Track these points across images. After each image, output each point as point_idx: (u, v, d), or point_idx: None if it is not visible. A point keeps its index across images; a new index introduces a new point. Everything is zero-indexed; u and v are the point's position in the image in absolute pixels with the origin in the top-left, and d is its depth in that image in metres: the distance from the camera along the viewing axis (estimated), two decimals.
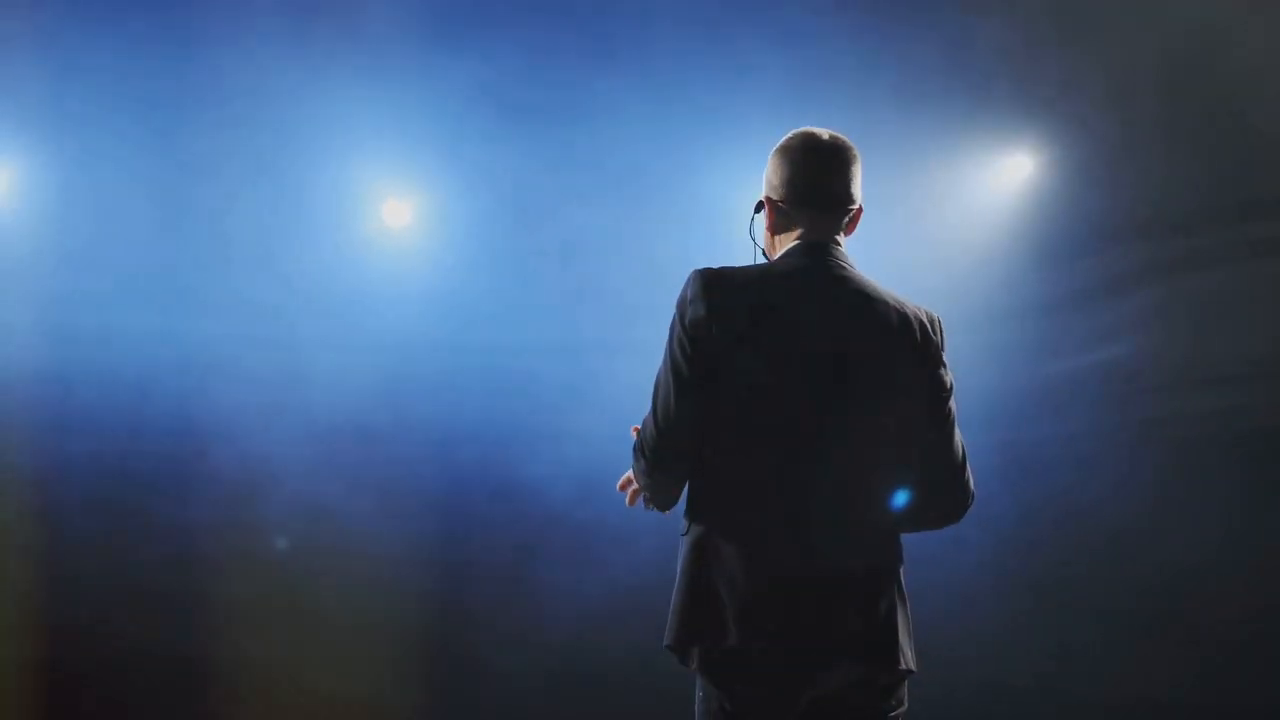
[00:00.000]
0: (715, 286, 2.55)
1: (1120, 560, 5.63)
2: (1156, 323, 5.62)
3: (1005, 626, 5.72)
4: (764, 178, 2.78)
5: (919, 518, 2.64)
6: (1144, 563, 5.56)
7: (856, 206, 2.74)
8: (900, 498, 2.60)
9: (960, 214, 5.78)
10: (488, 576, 5.96)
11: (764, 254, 2.78)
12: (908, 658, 2.55)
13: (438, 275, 5.93)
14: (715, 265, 2.60)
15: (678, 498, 2.63)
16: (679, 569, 2.55)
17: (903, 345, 2.61)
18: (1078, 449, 5.79)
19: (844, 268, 2.67)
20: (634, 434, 2.66)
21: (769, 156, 2.78)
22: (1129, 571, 5.60)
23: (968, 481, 2.68)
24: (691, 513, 2.58)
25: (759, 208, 2.79)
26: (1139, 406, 5.73)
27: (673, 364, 2.54)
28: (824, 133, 2.74)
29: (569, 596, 5.82)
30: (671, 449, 2.55)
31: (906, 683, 2.60)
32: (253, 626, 5.84)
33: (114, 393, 5.76)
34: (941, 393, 2.66)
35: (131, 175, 5.63)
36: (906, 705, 2.61)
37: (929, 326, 2.67)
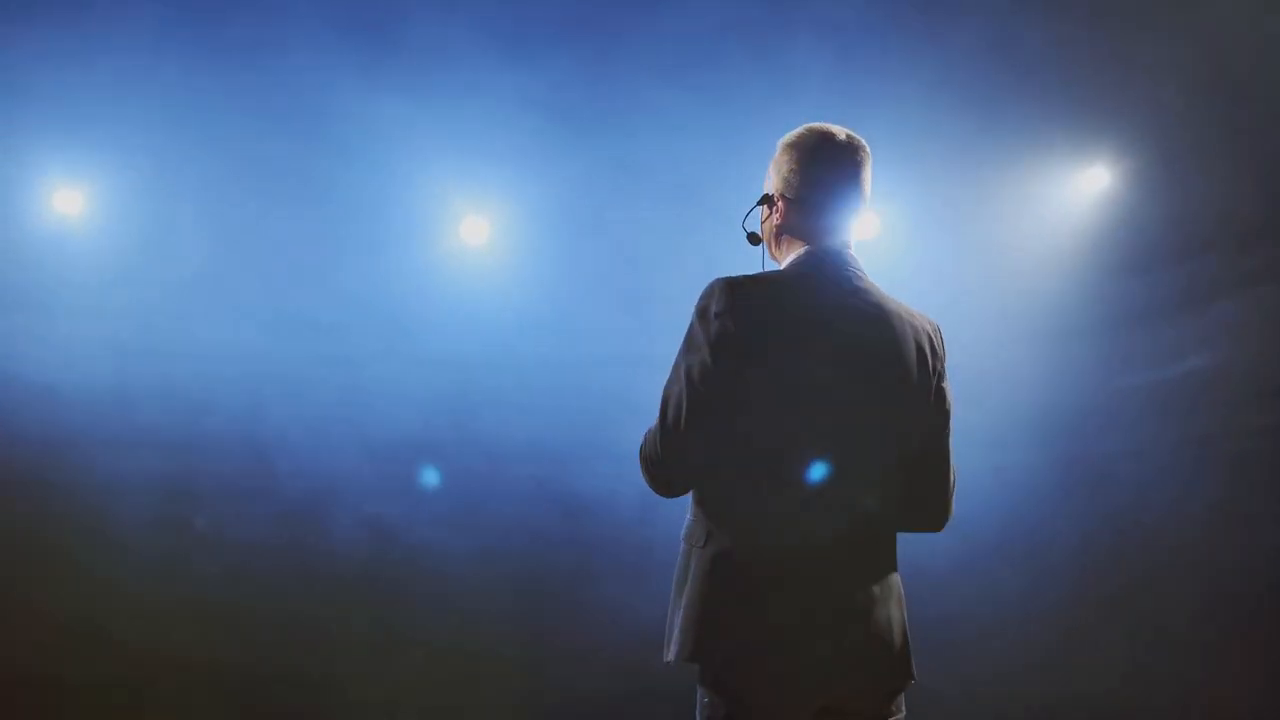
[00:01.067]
0: (742, 297, 2.51)
1: (1184, 575, 5.59)
2: (1230, 336, 5.55)
3: (1065, 642, 5.70)
4: (774, 171, 2.72)
5: (904, 525, 2.66)
6: (1207, 578, 5.51)
7: (865, 205, 2.72)
8: (898, 507, 2.62)
9: (1035, 227, 5.73)
10: (549, 592, 5.96)
11: (753, 244, 2.75)
12: (912, 667, 2.57)
13: (496, 290, 5.90)
14: (735, 275, 2.56)
15: (678, 494, 2.61)
16: (691, 581, 2.52)
17: (916, 357, 2.60)
18: (1146, 464, 5.75)
19: (861, 276, 2.65)
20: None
21: (780, 149, 2.71)
22: (1192, 587, 5.55)
23: (951, 496, 2.69)
24: (707, 524, 2.53)
25: (765, 200, 2.73)
26: (1209, 420, 5.67)
27: (687, 377, 2.50)
28: (840, 130, 2.70)
29: (630, 613, 5.82)
30: (680, 463, 2.52)
31: (904, 691, 2.60)
32: (315, 643, 5.88)
33: (176, 408, 5.81)
34: (944, 405, 2.66)
35: (197, 192, 5.67)
36: (905, 712, 2.60)
37: (933, 338, 2.67)
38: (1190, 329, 5.62)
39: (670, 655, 2.51)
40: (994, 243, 5.68)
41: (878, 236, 5.73)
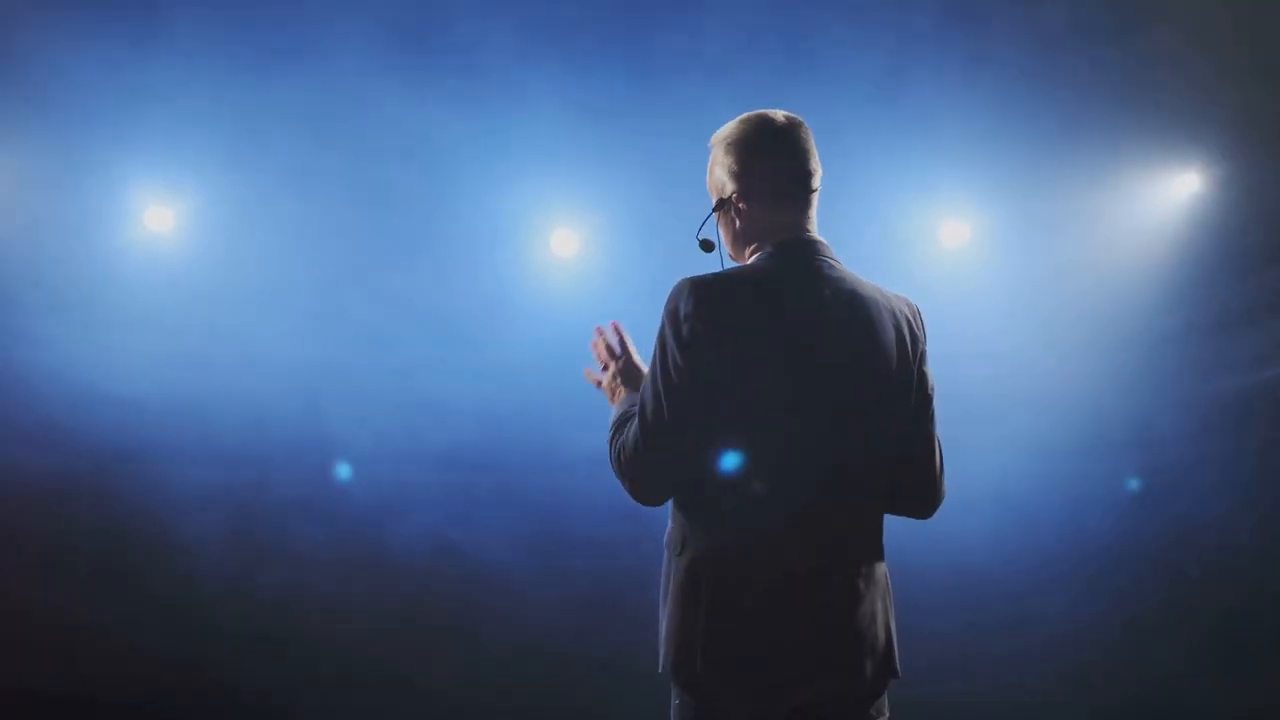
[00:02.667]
0: (710, 296, 2.42)
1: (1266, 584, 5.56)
2: None
3: (1136, 649, 5.68)
4: (719, 173, 2.60)
5: (898, 507, 2.61)
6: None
7: (819, 185, 2.61)
8: (884, 496, 2.55)
9: (1124, 232, 5.66)
10: (615, 607, 5.87)
11: (706, 250, 2.64)
12: (897, 664, 2.49)
13: (567, 301, 5.82)
14: (701, 274, 2.47)
15: (659, 502, 2.53)
16: (672, 591, 2.46)
17: (896, 341, 2.52)
18: (1229, 471, 5.68)
19: (832, 264, 2.55)
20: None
21: (719, 148, 2.60)
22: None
23: (940, 481, 2.61)
24: (687, 530, 2.46)
25: (720, 206, 2.61)
26: None
27: (664, 381, 2.41)
28: (776, 113, 2.59)
29: None
30: (661, 466, 2.44)
31: (886, 690, 2.53)
32: (382, 657, 5.81)
33: (245, 421, 5.77)
34: (926, 387, 2.58)
35: (273, 207, 5.66)
36: (889, 714, 2.53)
37: (912, 320, 2.58)
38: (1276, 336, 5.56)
39: (660, 666, 2.47)
40: (1083, 248, 5.62)
41: (968, 243, 5.71)
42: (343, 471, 5.87)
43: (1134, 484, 5.85)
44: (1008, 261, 5.65)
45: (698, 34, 5.47)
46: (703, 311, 2.40)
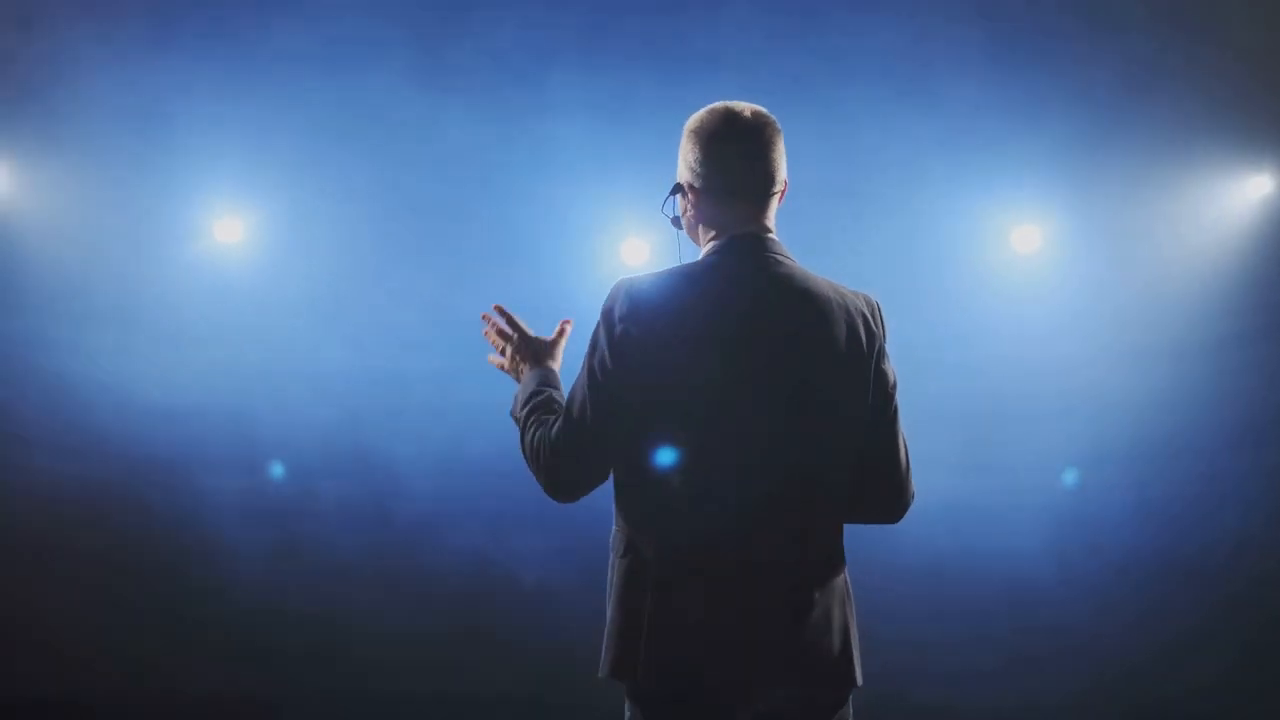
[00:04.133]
0: (642, 296, 2.38)
1: None
2: None
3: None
4: (680, 158, 2.55)
5: (854, 516, 2.52)
6: None
7: (784, 184, 2.54)
8: (842, 499, 2.46)
9: (1195, 234, 5.60)
10: None
11: (678, 228, 2.60)
12: (858, 674, 2.41)
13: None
14: (639, 274, 2.43)
15: (574, 499, 2.48)
16: (613, 593, 2.40)
17: (849, 338, 2.44)
18: None
19: (780, 261, 2.48)
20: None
21: (684, 134, 2.55)
22: None
23: (907, 481, 2.53)
24: (627, 532, 2.40)
25: (676, 190, 2.57)
26: None
27: (590, 381, 2.38)
28: (745, 108, 2.52)
29: None
30: (577, 468, 2.41)
31: (850, 698, 2.43)
32: (420, 669, 5.74)
33: (286, 432, 5.75)
34: (885, 386, 2.49)
35: (335, 217, 5.68)
36: None
37: (870, 317, 2.50)
38: None
39: (600, 670, 2.41)
40: (1154, 251, 5.58)
41: (1039, 248, 5.67)
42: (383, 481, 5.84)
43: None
44: (1078, 265, 5.62)
45: (744, 35, 5.47)
46: (636, 314, 2.36)
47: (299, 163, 5.57)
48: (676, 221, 2.60)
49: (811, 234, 5.46)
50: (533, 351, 2.68)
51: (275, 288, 5.71)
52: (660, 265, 5.65)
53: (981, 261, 5.66)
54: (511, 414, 2.60)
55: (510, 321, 2.72)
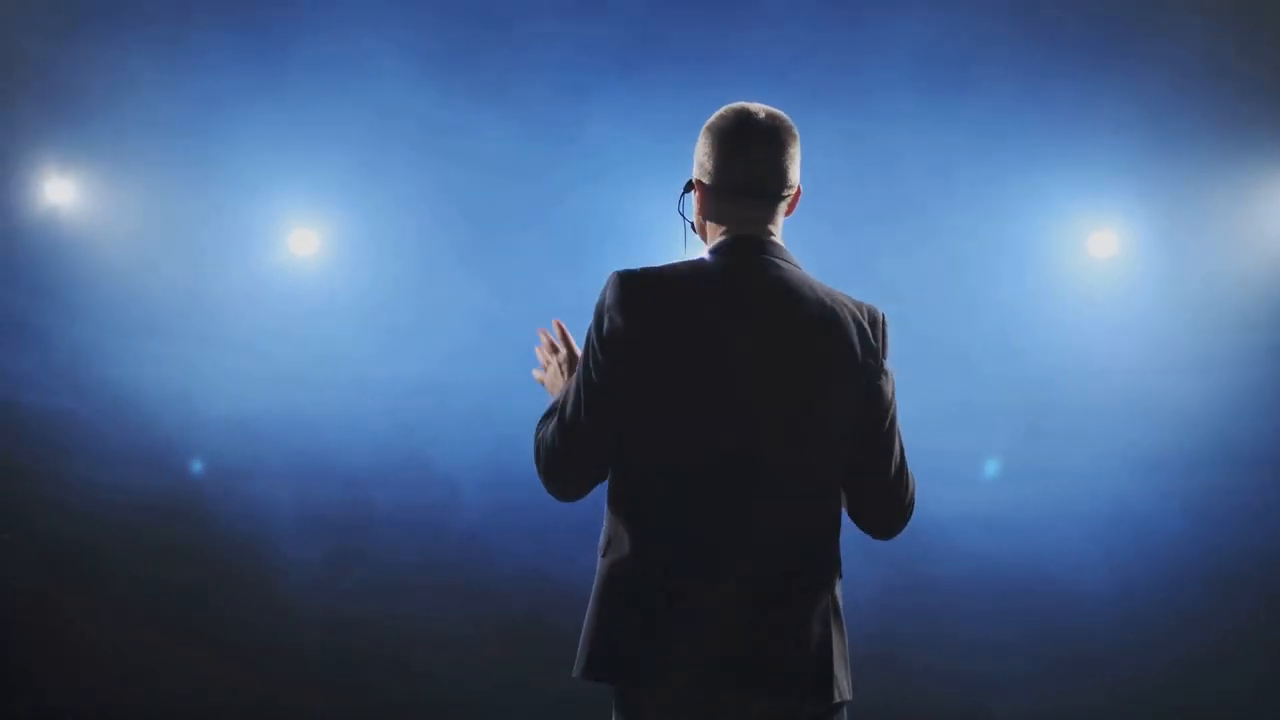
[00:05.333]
0: (636, 292, 2.36)
1: None
2: None
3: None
4: (695, 156, 2.54)
5: (857, 522, 2.53)
6: None
7: (795, 190, 2.50)
8: (831, 508, 2.42)
9: (1259, 240, 5.59)
10: None
11: (696, 234, 2.58)
12: (842, 687, 2.37)
13: None
14: (634, 267, 2.40)
15: (571, 499, 2.48)
16: (593, 593, 2.38)
17: (838, 348, 2.39)
18: None
19: (778, 264, 2.44)
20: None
21: (701, 132, 2.54)
22: None
23: (905, 495, 2.49)
24: (611, 532, 2.38)
25: (689, 188, 2.55)
26: None
27: (585, 375, 2.36)
28: (760, 110, 2.50)
29: None
30: (572, 464, 2.40)
31: (844, 711, 2.38)
32: (473, 682, 5.77)
33: (345, 441, 5.80)
34: (881, 398, 2.44)
35: (405, 229, 5.72)
36: None
37: (869, 328, 2.45)
38: None
39: (575, 669, 2.39)
40: (1232, 256, 5.55)
41: (1116, 254, 5.66)
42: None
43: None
44: (1148, 271, 5.61)
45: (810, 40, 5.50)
46: (626, 307, 2.34)
47: (356, 175, 5.63)
48: (693, 225, 2.59)
49: (889, 240, 5.55)
50: (571, 368, 2.66)
51: (334, 297, 5.76)
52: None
53: (1058, 267, 5.67)
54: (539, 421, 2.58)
55: (564, 337, 2.70)
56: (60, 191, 5.59)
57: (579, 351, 2.62)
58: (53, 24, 5.22)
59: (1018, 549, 5.68)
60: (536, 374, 2.76)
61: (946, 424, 5.56)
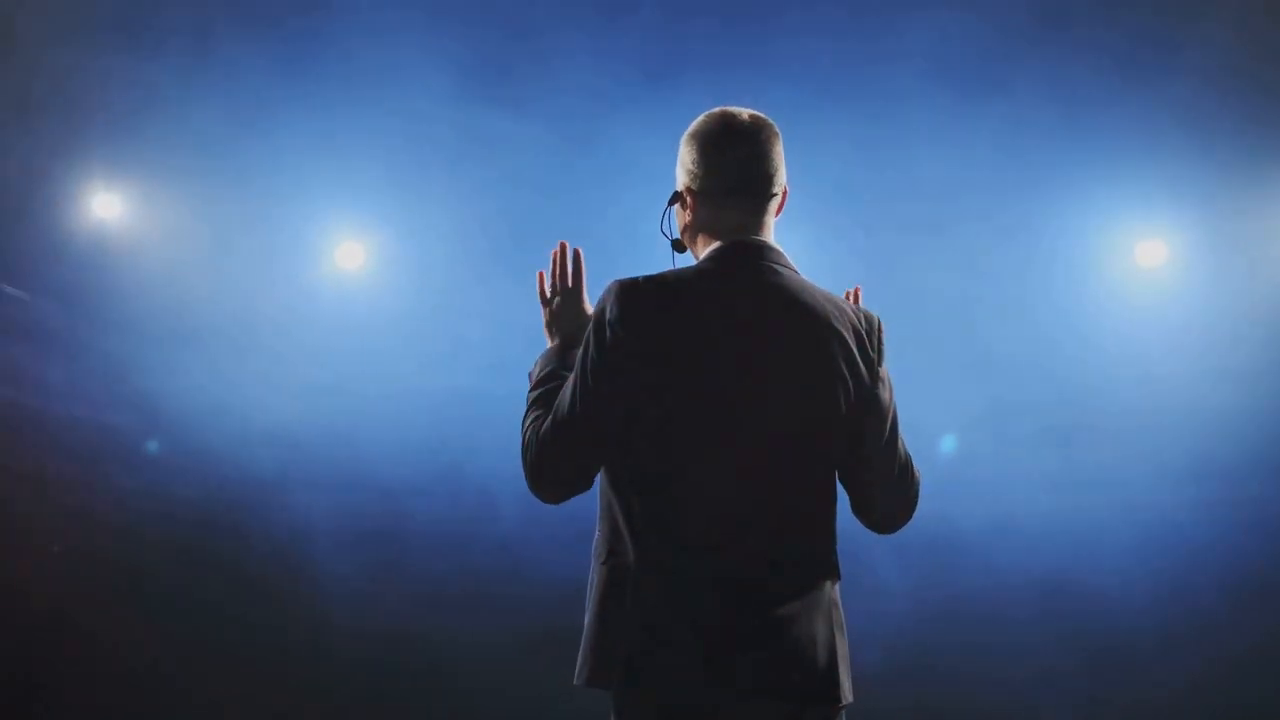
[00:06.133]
0: (636, 300, 2.34)
1: None
2: None
3: None
4: (679, 166, 2.52)
5: (859, 518, 2.52)
6: None
7: (783, 190, 2.49)
8: (829, 512, 2.42)
9: None
10: None
11: (678, 250, 2.55)
12: (845, 689, 2.35)
13: None
14: (634, 276, 2.38)
15: (556, 502, 2.45)
16: (592, 599, 2.35)
17: (840, 352, 2.39)
18: None
19: (776, 269, 2.43)
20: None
21: (683, 141, 2.51)
22: None
23: (907, 494, 2.49)
24: (610, 540, 2.35)
25: (675, 199, 2.53)
26: None
27: (581, 383, 2.34)
28: (742, 111, 2.50)
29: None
30: (561, 468, 2.38)
31: (843, 714, 2.37)
32: (510, 693, 5.78)
33: (384, 451, 5.83)
34: (880, 401, 2.43)
35: (451, 242, 5.74)
36: None
37: (867, 333, 2.44)
38: None
39: (576, 677, 2.36)
40: (1268, 267, 5.54)
41: (1164, 262, 5.62)
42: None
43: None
44: (1199, 281, 5.59)
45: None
46: (626, 316, 2.33)
47: (398, 188, 5.65)
48: (678, 245, 2.57)
49: (939, 245, 5.54)
50: (566, 322, 2.61)
51: (374, 310, 5.79)
52: None
53: (1107, 275, 5.66)
54: (529, 375, 2.55)
55: (578, 271, 2.65)
56: (106, 205, 5.61)
57: (584, 307, 2.60)
58: (101, 40, 5.23)
59: (1055, 558, 5.67)
60: (541, 295, 2.67)
61: (983, 432, 5.55)
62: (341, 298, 5.81)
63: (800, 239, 5.58)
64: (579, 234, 5.59)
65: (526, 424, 2.47)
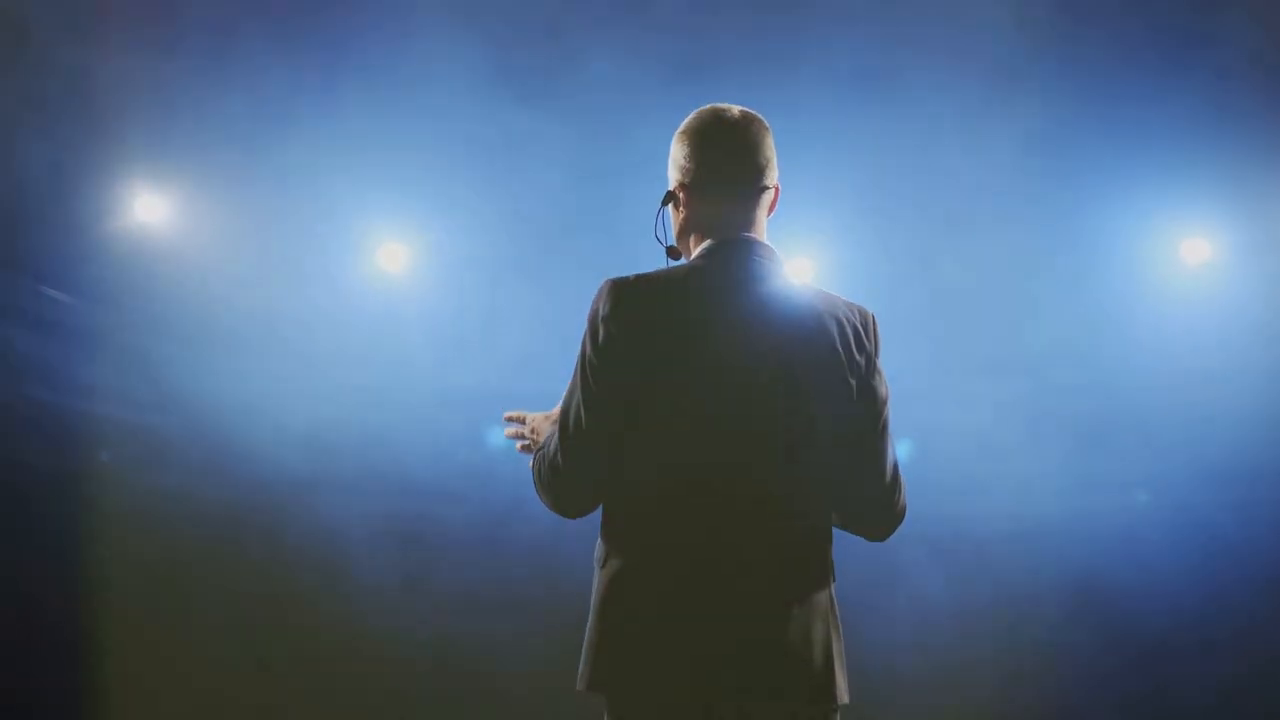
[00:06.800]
0: (629, 299, 2.34)
1: None
2: None
3: None
4: (670, 165, 2.51)
5: (846, 526, 2.49)
6: None
7: (775, 187, 2.49)
8: (827, 513, 2.41)
9: None
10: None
11: (673, 258, 2.53)
12: (841, 690, 2.34)
13: None
14: (626, 275, 2.38)
15: (584, 514, 2.45)
16: (593, 604, 2.35)
17: (834, 347, 2.37)
18: None
19: (769, 266, 2.42)
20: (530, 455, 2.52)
21: (674, 140, 2.51)
22: None
23: (898, 498, 2.45)
24: (608, 543, 2.35)
25: (668, 199, 2.51)
26: None
27: (583, 387, 2.34)
28: (732, 107, 2.50)
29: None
30: (583, 475, 2.37)
31: (839, 715, 2.37)
32: (538, 702, 5.75)
33: (417, 453, 5.81)
34: (875, 400, 2.41)
35: (490, 250, 5.69)
36: None
37: (862, 329, 2.42)
38: None
39: (579, 681, 2.35)
40: None
41: (1208, 260, 5.55)
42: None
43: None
44: (1245, 277, 5.51)
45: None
46: (619, 314, 2.33)
47: (434, 189, 5.61)
48: (673, 252, 2.55)
49: (977, 242, 5.46)
50: (543, 422, 2.61)
51: (410, 310, 5.76)
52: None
53: (1152, 274, 5.59)
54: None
55: (519, 418, 2.67)
56: (149, 207, 5.56)
57: (542, 414, 2.60)
58: (144, 40, 5.18)
59: (1091, 558, 5.63)
60: (521, 448, 2.66)
61: (1019, 430, 5.51)
62: (385, 299, 5.78)
63: (839, 235, 5.60)
64: (610, 231, 5.62)
65: (534, 463, 2.49)
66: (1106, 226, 5.50)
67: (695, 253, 2.48)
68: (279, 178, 5.53)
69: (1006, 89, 5.24)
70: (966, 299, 5.55)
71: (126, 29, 5.19)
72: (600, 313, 2.36)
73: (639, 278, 2.39)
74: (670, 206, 2.54)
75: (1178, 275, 5.58)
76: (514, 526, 5.82)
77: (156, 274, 5.64)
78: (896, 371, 5.36)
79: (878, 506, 2.46)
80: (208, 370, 5.69)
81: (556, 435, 2.40)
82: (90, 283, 5.59)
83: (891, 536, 2.52)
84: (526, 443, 2.65)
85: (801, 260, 5.60)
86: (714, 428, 2.31)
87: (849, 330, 2.42)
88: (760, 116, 2.51)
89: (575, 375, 2.39)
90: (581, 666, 2.34)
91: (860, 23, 5.30)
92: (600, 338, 2.34)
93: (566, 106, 5.41)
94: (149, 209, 5.58)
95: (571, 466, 2.37)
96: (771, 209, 2.52)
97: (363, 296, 5.78)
